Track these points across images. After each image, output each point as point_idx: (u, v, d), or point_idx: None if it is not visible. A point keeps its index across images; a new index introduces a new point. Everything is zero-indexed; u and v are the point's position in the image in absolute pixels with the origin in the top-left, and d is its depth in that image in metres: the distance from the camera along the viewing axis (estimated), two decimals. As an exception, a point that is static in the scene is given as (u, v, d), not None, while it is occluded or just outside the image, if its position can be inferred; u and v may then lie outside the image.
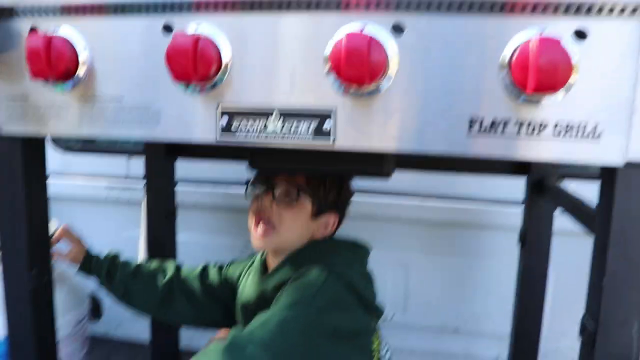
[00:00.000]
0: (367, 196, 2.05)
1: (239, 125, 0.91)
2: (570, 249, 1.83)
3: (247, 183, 1.43)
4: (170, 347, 1.90)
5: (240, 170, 2.06)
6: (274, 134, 0.90)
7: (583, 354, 1.01)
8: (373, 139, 0.87)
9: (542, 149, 0.82)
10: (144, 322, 1.89)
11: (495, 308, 2.10)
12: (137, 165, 2.29)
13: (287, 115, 0.89)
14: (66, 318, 1.69)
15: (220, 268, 1.67)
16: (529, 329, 1.70)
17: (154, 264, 1.64)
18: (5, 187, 1.14)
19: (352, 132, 0.87)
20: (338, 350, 1.28)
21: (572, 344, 1.09)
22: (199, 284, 1.62)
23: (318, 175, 1.37)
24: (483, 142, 0.83)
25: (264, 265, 1.51)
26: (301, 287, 1.30)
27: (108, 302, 2.25)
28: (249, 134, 0.91)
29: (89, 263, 1.57)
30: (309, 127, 0.88)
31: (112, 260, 1.59)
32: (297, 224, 1.38)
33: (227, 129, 0.92)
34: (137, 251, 1.78)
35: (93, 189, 2.32)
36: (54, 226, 1.60)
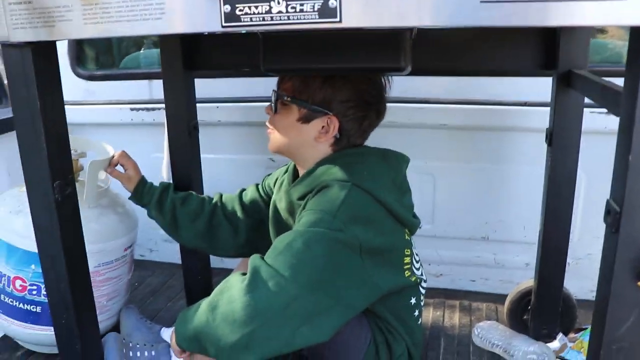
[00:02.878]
0: (389, 104, 2.01)
1: (243, 10, 0.88)
2: (601, 150, 1.77)
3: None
4: (202, 266, 1.94)
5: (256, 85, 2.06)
6: (279, 15, 0.86)
7: (607, 238, 0.99)
8: (383, 16, 0.83)
9: (564, 13, 0.77)
10: (175, 245, 1.93)
11: (524, 214, 2.07)
12: (159, 88, 2.29)
13: (291, -6, 0.85)
14: (118, 242, 1.75)
15: (257, 185, 1.69)
16: (558, 233, 1.67)
17: (201, 196, 1.69)
18: (20, 97, 1.15)
19: (359, 10, 0.83)
20: (366, 266, 1.27)
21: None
22: (239, 204, 1.66)
23: (309, 79, 1.35)
24: (498, 10, 0.78)
25: (294, 174, 1.51)
26: (323, 202, 1.28)
27: (141, 224, 2.32)
28: (253, 17, 0.88)
29: (142, 188, 1.64)
30: (314, 6, 0.84)
31: (165, 188, 1.65)
32: (285, 129, 1.41)
33: (231, 15, 0.89)
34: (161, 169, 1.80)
35: (119, 113, 2.34)
36: (111, 152, 1.66)
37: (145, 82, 2.34)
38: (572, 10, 0.77)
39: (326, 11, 0.84)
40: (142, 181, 1.64)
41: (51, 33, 1.03)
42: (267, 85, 1.50)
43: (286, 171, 1.57)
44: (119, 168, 1.64)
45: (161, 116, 2.07)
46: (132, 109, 2.32)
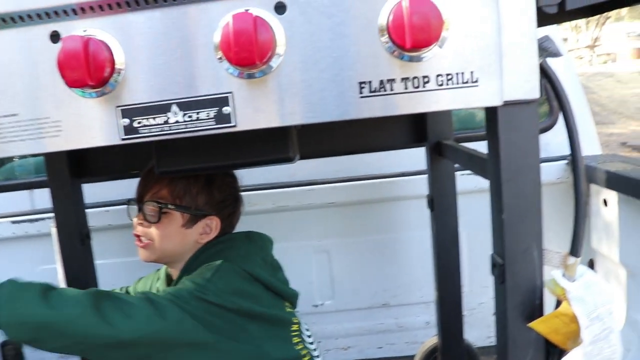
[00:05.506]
0: (276, 189, 2.09)
1: (141, 122, 0.92)
2: (476, 207, 1.95)
3: (127, 203, 1.44)
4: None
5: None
6: (176, 125, 0.91)
7: (497, 289, 1.10)
8: (273, 117, 0.90)
9: (430, 100, 0.89)
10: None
11: (419, 276, 2.19)
12: (40, 197, 2.22)
13: (186, 106, 0.91)
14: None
15: (128, 291, 1.64)
16: (452, 288, 1.79)
17: None
18: None
19: (251, 113, 0.90)
20: (255, 328, 1.28)
21: (494, 295, 1.17)
22: None
23: (185, 184, 1.38)
24: (375, 103, 0.89)
25: (168, 277, 1.51)
26: (193, 276, 1.29)
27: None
28: (152, 129, 0.92)
29: None
30: (208, 115, 0.91)
31: None
32: (169, 237, 1.39)
33: (129, 128, 0.93)
34: (58, 282, 1.72)
35: (-3, 228, 2.22)
36: None
37: (25, 192, 2.25)
38: (435, 98, 0.89)
39: (222, 118, 0.90)
40: None
41: None
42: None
43: (157, 276, 1.56)
44: None
45: (46, 227, 2.00)
46: (13, 222, 2.21)
